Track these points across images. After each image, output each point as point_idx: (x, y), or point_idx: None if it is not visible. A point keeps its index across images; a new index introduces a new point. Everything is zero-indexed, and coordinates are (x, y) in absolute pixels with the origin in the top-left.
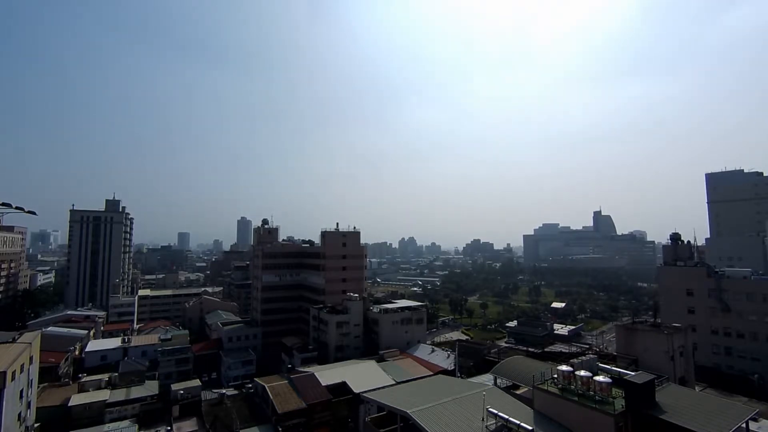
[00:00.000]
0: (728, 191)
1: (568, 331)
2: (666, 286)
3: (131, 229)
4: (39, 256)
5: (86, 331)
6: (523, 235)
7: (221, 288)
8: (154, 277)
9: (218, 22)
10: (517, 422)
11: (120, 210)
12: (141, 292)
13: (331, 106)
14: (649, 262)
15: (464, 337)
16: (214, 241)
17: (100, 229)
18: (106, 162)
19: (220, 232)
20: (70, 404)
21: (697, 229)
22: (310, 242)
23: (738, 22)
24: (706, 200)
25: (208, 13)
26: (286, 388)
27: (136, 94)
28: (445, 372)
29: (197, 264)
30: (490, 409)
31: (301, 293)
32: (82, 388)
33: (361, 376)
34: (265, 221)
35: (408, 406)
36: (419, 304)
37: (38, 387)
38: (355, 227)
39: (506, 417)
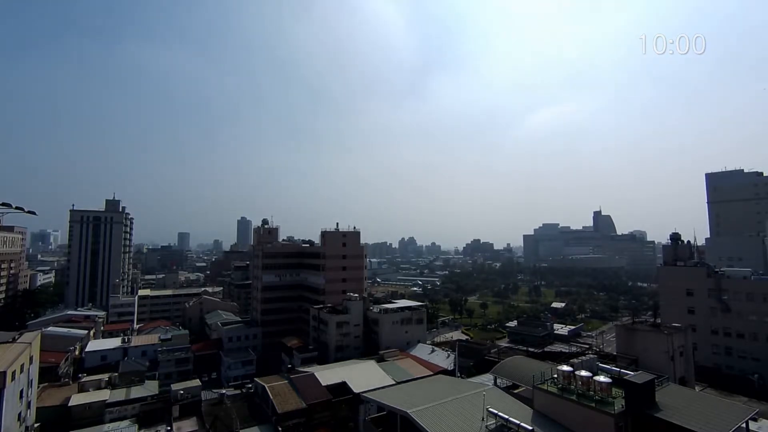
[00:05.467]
0: (728, 191)
1: (568, 331)
2: (666, 286)
3: (131, 229)
4: (39, 256)
5: (86, 331)
6: (523, 235)
7: (221, 288)
8: (154, 277)
9: (220, 18)
10: (517, 422)
11: (120, 210)
12: (141, 292)
13: (330, 107)
14: (649, 262)
15: (464, 337)
16: (214, 241)
17: (100, 229)
18: (106, 162)
19: (220, 232)
20: (70, 404)
21: (697, 229)
22: (310, 242)
23: (738, 23)
24: (706, 200)
25: (211, 11)
26: (286, 388)
27: (137, 94)
28: (445, 372)
29: (197, 264)
30: (490, 409)
31: (301, 293)
32: (82, 388)
33: (361, 376)
34: (265, 221)
35: (408, 406)
36: (419, 304)
37: (38, 387)
38: (355, 227)
39: (506, 417)
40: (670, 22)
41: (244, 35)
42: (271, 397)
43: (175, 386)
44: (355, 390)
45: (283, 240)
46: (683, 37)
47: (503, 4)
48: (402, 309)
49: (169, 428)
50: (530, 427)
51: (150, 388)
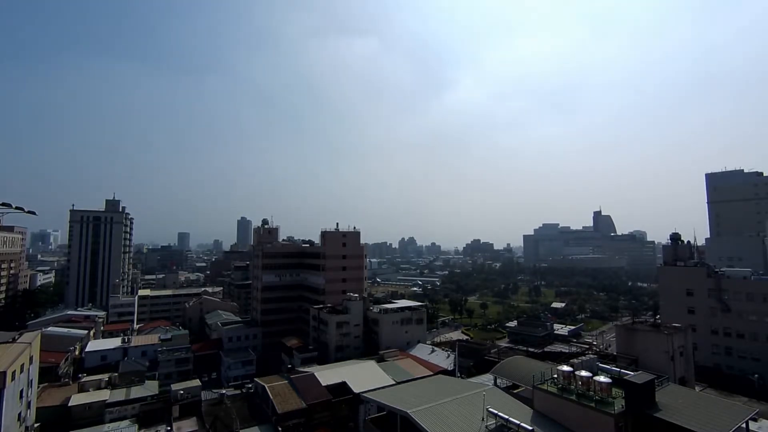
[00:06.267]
0: (728, 191)
1: (568, 331)
2: (666, 286)
3: (131, 229)
4: (39, 256)
5: (86, 331)
6: (523, 235)
7: (221, 288)
8: (154, 277)
9: (223, 25)
10: (517, 422)
11: (120, 210)
12: (141, 292)
13: (332, 109)
14: (649, 262)
15: (464, 337)
16: (214, 241)
17: (100, 229)
18: (106, 162)
19: (220, 232)
20: (70, 404)
21: (697, 229)
22: (310, 242)
23: (735, 22)
24: (706, 200)
25: (212, 23)
26: (286, 388)
27: (137, 95)
28: (445, 372)
29: (197, 264)
30: (490, 409)
31: (301, 293)
32: (82, 388)
33: (361, 376)
34: (265, 221)
35: (408, 406)
36: (419, 304)
37: (38, 387)
38: (355, 227)
39: (506, 417)
40: (672, 22)
41: (246, 39)
42: (271, 397)
43: (175, 386)
44: (355, 390)
45: (283, 240)
46: (683, 39)
47: (510, 12)
48: (402, 309)
49: (169, 428)
50: (530, 427)
51: (150, 388)
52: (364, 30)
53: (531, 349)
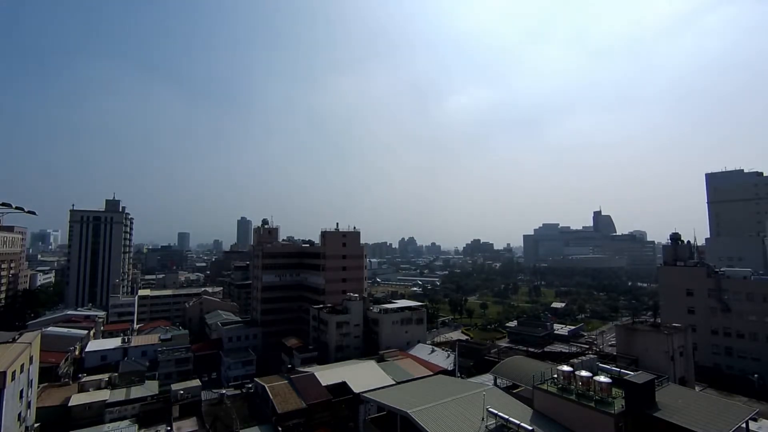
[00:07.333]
0: (728, 191)
1: (568, 331)
2: (666, 286)
3: (131, 229)
4: (39, 256)
5: (86, 331)
6: (523, 235)
7: (221, 288)
8: (154, 277)
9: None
10: (517, 422)
11: (120, 210)
12: (141, 292)
13: (329, 107)
14: (649, 262)
15: (464, 337)
16: (214, 241)
17: (100, 229)
18: (106, 162)
19: (220, 232)
20: (70, 404)
21: (697, 229)
22: (310, 242)
23: (730, 24)
24: (706, 200)
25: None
26: (286, 388)
27: (138, 96)
28: (445, 372)
29: (197, 264)
30: (490, 409)
31: (301, 293)
32: (82, 388)
33: (361, 376)
34: (265, 221)
35: (408, 406)
36: (419, 304)
37: (38, 387)
38: (355, 227)
39: (506, 417)
40: (674, 19)
41: (248, 39)
42: (271, 397)
43: (175, 386)
44: (355, 390)
45: (283, 240)
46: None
47: (520, 24)
48: (402, 309)
49: (169, 428)
50: (530, 427)
51: (150, 388)
52: (374, 51)
53: (531, 349)
